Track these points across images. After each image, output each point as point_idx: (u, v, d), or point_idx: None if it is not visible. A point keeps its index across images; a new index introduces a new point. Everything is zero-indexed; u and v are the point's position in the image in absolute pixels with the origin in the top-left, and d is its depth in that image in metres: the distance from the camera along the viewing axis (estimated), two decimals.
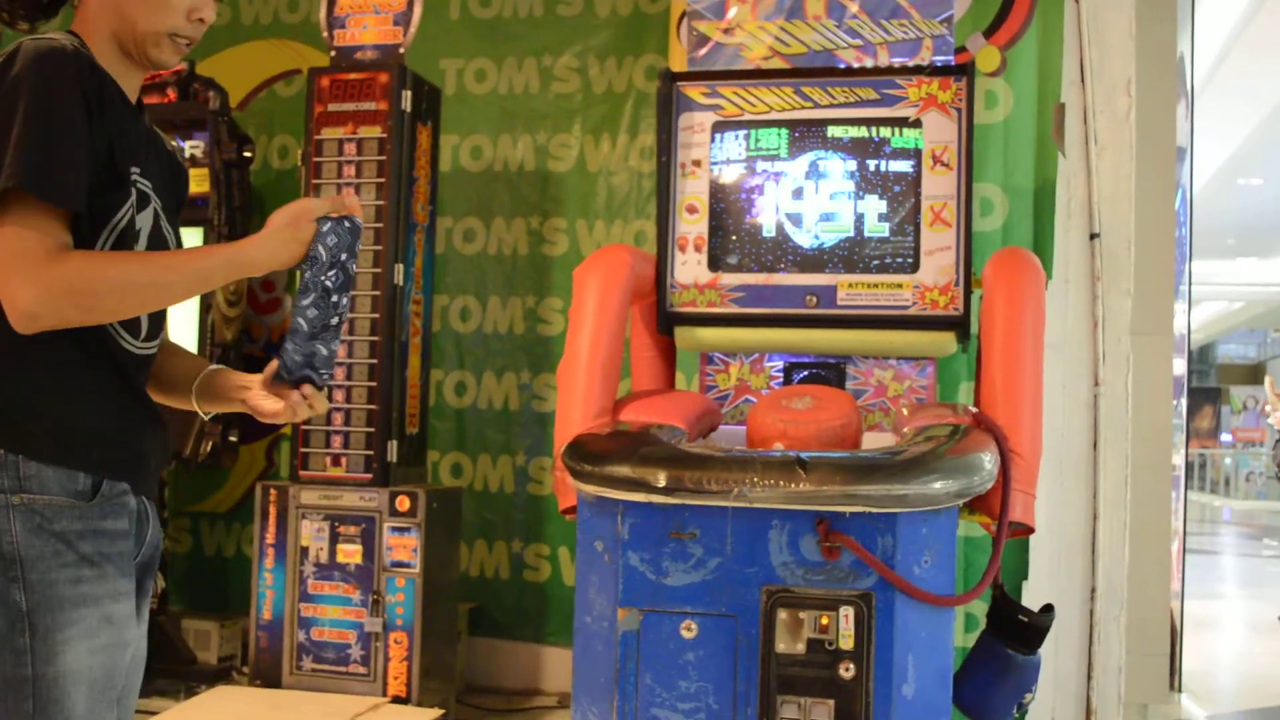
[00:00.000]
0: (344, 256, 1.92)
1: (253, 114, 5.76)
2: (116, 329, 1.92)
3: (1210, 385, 29.15)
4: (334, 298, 1.92)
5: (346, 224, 1.92)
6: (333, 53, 4.82)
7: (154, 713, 4.23)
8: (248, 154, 5.24)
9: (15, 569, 1.79)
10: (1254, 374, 29.65)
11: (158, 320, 2.03)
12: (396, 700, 4.46)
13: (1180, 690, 5.55)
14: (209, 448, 5.06)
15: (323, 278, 1.91)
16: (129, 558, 1.95)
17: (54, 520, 1.82)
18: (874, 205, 3.37)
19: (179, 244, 2.06)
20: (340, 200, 1.93)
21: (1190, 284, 6.21)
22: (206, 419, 2.64)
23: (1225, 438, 26.98)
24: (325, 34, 4.83)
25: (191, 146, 5.10)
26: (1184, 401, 5.90)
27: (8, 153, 1.75)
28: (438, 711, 4.43)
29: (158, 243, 1.98)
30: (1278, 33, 8.83)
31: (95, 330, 1.87)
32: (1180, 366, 5.29)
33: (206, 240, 4.97)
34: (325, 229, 1.90)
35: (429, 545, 4.54)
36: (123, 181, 1.90)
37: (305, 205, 1.91)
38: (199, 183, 4.96)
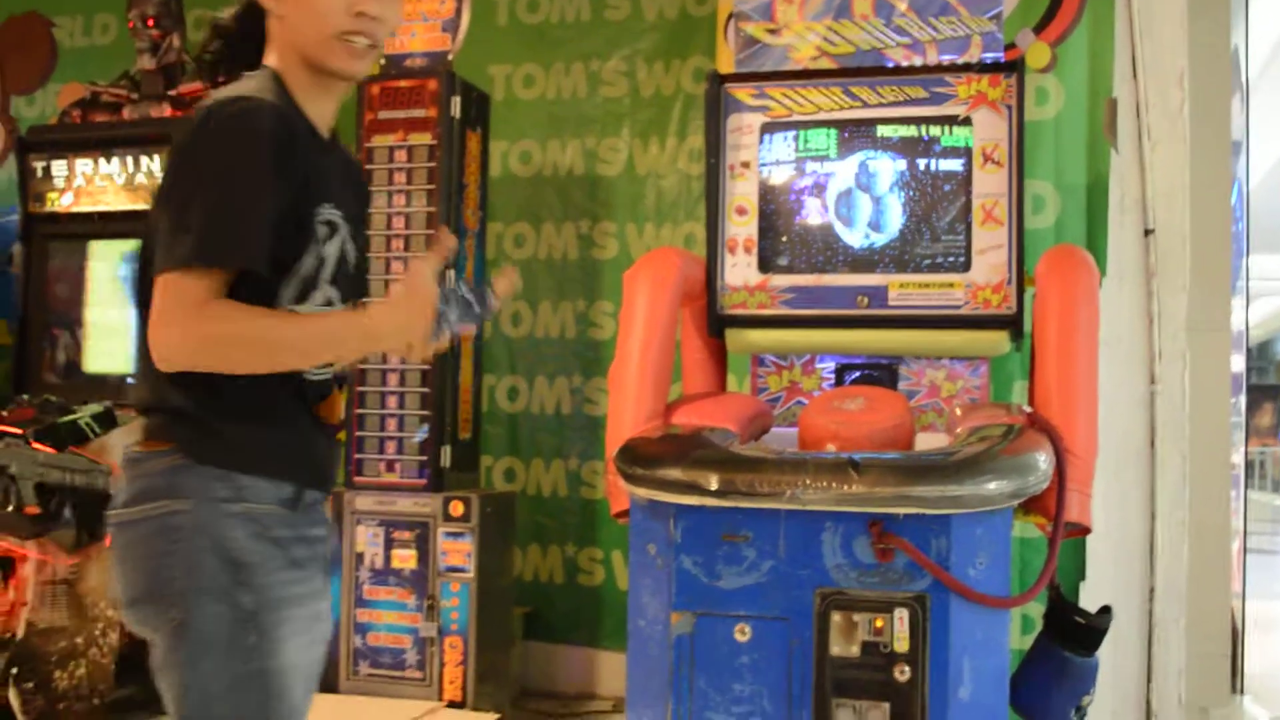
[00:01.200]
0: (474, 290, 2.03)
1: None
2: None
3: (1270, 382, 28.71)
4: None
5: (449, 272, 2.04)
6: (382, 60, 4.85)
7: None
8: None
9: (244, 573, 1.92)
10: None
11: None
12: (452, 705, 4.48)
13: (1242, 692, 5.47)
14: None
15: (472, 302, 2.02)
16: (325, 560, 2.08)
17: (271, 527, 1.95)
18: (924, 204, 3.35)
19: (364, 255, 2.13)
20: (438, 250, 2.02)
21: (1248, 279, 6.12)
22: None
23: None
24: None
25: None
26: (1243, 399, 5.82)
27: (192, 216, 1.83)
28: (494, 716, 4.44)
29: (343, 265, 2.04)
30: None
31: None
32: (1239, 363, 5.21)
33: None
34: (451, 288, 1.98)
35: (483, 550, 4.55)
36: (307, 225, 1.96)
37: (422, 272, 1.95)
38: None
